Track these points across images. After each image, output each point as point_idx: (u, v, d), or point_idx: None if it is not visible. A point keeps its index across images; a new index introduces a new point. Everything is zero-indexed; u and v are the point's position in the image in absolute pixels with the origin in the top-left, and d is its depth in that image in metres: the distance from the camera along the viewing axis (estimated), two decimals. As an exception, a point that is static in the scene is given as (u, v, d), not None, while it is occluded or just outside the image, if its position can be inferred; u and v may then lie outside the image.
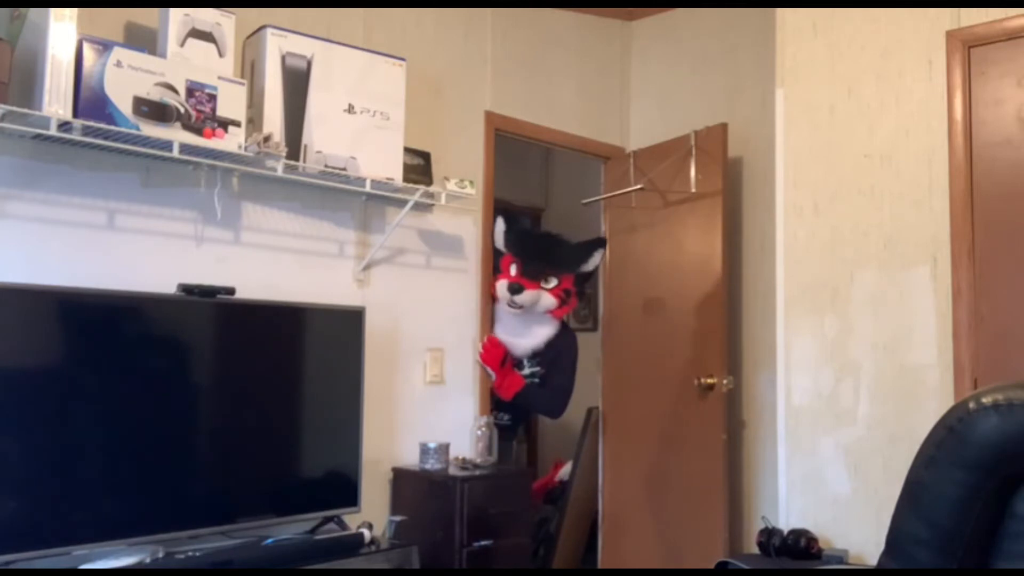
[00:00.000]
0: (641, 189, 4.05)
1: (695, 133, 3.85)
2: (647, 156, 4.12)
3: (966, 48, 2.90)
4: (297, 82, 2.90)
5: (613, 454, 4.16)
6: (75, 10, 2.36)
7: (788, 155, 3.32)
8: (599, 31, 4.37)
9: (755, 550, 3.19)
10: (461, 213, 3.65)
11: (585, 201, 4.45)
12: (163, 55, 2.58)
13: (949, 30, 2.94)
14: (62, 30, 2.33)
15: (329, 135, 2.95)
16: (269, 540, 2.58)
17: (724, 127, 3.77)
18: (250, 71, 2.90)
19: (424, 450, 3.23)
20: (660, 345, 3.96)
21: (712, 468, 3.64)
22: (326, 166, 2.93)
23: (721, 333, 3.67)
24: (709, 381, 3.67)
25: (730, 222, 3.91)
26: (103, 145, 2.49)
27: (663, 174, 4.01)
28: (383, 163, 3.08)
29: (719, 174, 3.74)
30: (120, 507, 2.38)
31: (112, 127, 2.39)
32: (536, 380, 3.90)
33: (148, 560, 2.36)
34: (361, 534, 2.73)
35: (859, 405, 3.06)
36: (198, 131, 2.57)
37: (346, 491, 2.90)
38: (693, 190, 3.83)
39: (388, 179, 3.08)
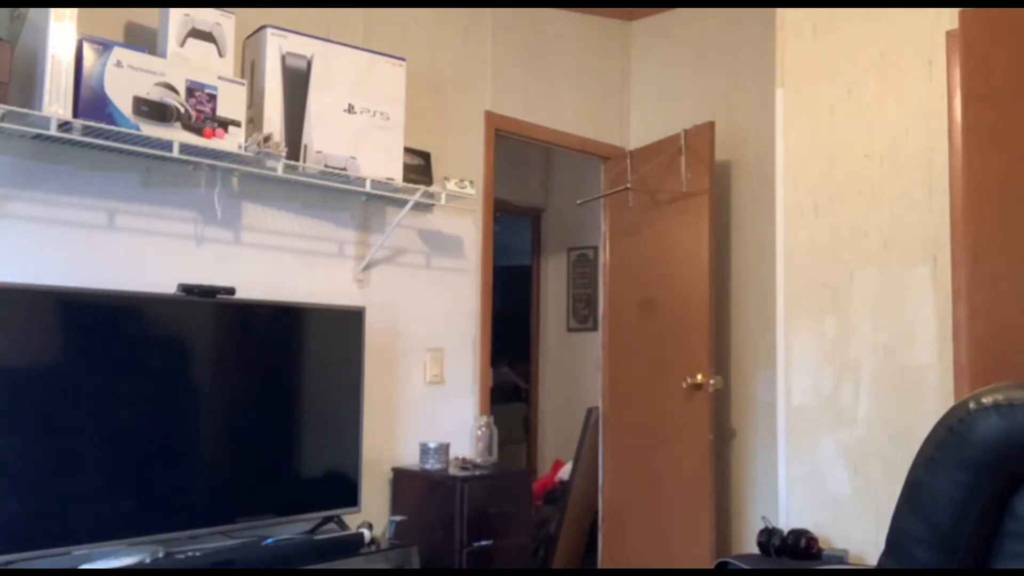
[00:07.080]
0: (627, 189, 4.05)
1: (684, 132, 3.85)
2: (644, 156, 4.12)
3: (966, 48, 2.90)
4: (297, 82, 2.90)
5: (613, 454, 4.16)
6: (75, 10, 2.36)
7: (788, 155, 3.32)
8: (599, 31, 4.36)
9: (755, 550, 3.19)
10: (461, 213, 3.65)
11: (580, 201, 4.46)
12: (163, 55, 2.58)
13: (949, 30, 2.94)
14: (62, 30, 2.33)
15: (329, 135, 2.95)
16: (269, 540, 2.58)
17: (711, 125, 3.77)
18: (250, 71, 2.89)
19: (424, 450, 3.23)
20: (655, 345, 3.96)
21: (701, 468, 3.65)
22: (326, 166, 2.93)
23: (707, 333, 3.67)
24: (696, 381, 3.67)
25: (718, 220, 3.91)
26: (103, 145, 2.49)
27: (656, 173, 4.01)
28: (383, 163, 3.08)
29: (706, 173, 3.75)
30: (120, 507, 2.38)
31: (112, 127, 2.39)
32: None
33: (148, 560, 2.36)
34: (361, 534, 2.73)
35: (859, 405, 3.06)
36: (198, 131, 2.57)
37: (346, 491, 2.90)
38: (684, 189, 3.83)
39: (388, 179, 3.08)
